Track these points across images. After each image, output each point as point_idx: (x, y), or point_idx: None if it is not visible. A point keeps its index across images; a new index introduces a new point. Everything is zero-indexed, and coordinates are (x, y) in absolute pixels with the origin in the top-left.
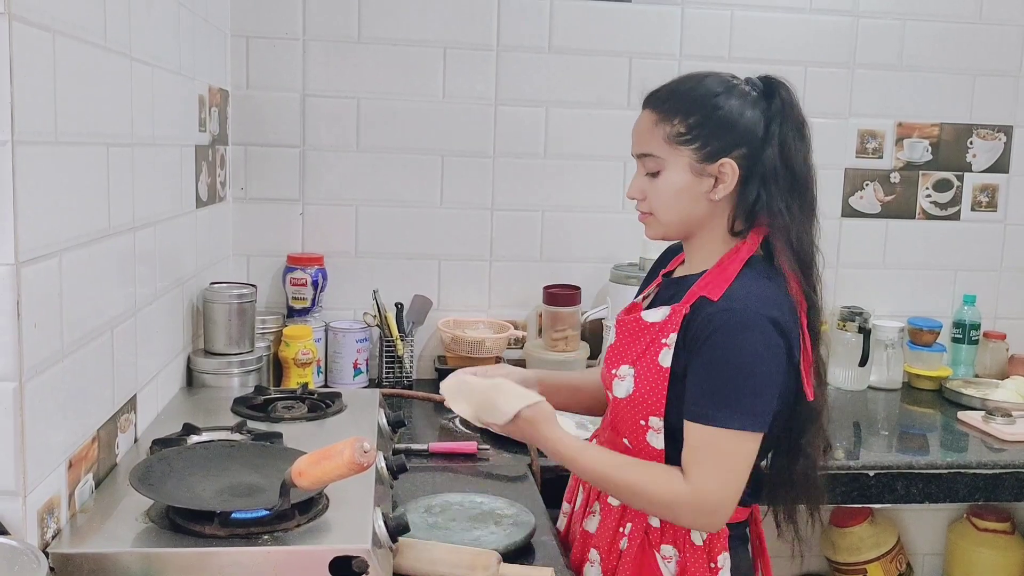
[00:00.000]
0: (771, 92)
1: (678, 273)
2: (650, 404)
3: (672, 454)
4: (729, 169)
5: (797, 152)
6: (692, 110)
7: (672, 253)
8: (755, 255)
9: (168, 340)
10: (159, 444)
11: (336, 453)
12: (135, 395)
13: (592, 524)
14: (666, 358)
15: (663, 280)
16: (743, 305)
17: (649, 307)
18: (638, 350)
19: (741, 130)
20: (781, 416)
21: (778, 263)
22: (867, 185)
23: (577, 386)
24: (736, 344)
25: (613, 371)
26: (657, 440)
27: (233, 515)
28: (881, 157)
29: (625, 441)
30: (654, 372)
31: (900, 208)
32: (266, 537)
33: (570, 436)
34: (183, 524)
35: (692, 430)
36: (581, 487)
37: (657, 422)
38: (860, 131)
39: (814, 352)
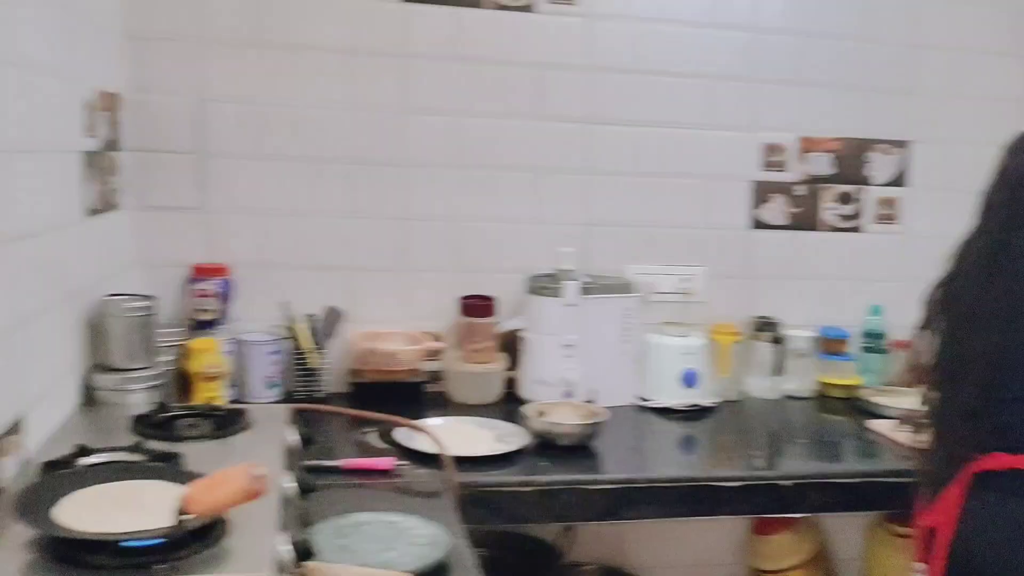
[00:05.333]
0: None
1: None
2: None
3: None
4: None
5: None
6: None
7: None
8: None
9: (60, 356)
10: (49, 467)
11: (228, 480)
12: (22, 415)
13: None
14: None
15: None
16: None
17: None
18: None
19: None
20: None
21: None
22: (774, 198)
23: None
24: None
25: None
26: None
27: (121, 544)
28: (786, 170)
29: None
30: None
31: (806, 220)
32: (162, 567)
33: None
34: (72, 554)
35: None
36: None
37: None
38: (765, 144)
39: None
